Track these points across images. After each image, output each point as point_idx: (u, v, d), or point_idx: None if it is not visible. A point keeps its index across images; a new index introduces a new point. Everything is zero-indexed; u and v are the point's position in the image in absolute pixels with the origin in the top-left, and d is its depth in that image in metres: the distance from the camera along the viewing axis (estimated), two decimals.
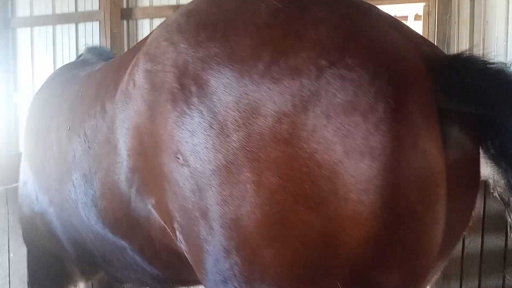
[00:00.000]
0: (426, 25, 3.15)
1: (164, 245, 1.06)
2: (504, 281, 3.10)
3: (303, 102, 0.70)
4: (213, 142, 0.77)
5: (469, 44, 3.11)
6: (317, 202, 0.71)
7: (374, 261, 0.74)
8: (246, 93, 0.74)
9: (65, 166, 1.33)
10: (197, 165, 0.79)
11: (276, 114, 0.71)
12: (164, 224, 0.98)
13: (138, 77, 0.98)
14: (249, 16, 0.83)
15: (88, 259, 1.50)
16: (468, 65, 0.79)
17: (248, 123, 0.73)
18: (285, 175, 0.71)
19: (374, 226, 0.71)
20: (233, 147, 0.74)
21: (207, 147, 0.77)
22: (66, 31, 4.25)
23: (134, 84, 0.99)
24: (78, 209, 1.30)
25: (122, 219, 1.13)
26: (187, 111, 0.80)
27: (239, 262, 0.77)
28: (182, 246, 0.91)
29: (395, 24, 0.88)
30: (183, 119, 0.81)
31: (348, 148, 0.69)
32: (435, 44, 2.97)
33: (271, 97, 0.72)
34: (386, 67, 0.72)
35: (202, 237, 0.81)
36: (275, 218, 0.73)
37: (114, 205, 1.14)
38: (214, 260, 0.81)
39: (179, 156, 0.82)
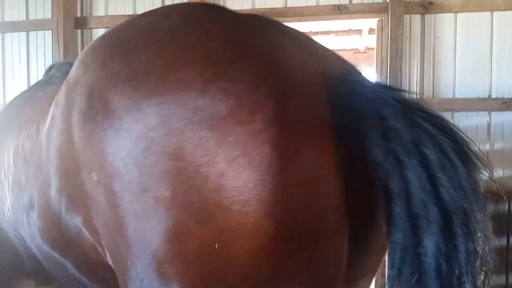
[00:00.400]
0: (379, 40, 3.24)
1: (99, 261, 1.06)
2: None
3: (188, 115, 0.72)
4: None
5: (420, 58, 3.23)
6: (206, 215, 0.72)
7: (272, 273, 0.75)
8: (138, 109, 0.76)
9: (15, 186, 1.38)
10: (107, 182, 0.81)
11: (164, 128, 0.73)
12: (94, 241, 0.99)
13: (60, 98, 1.02)
14: (150, 33, 0.87)
15: (42, 274, 1.55)
16: (345, 83, 0.85)
17: (143, 139, 0.75)
18: (176, 190, 0.73)
19: (261, 238, 0.72)
20: (132, 163, 0.76)
21: (111, 164, 0.79)
22: (16, 39, 4.06)
23: (57, 105, 1.04)
24: (27, 226, 1.35)
25: (57, 236, 1.16)
26: (95, 129, 0.83)
27: (151, 280, 0.78)
28: (110, 262, 0.92)
29: (300, 41, 0.93)
30: (92, 137, 0.84)
31: (230, 159, 0.71)
32: (389, 57, 3.07)
33: (159, 110, 0.74)
34: (267, 80, 0.76)
35: (122, 254, 0.82)
36: (171, 234, 0.74)
37: (49, 223, 1.17)
38: (133, 277, 0.81)
39: (93, 174, 0.84)
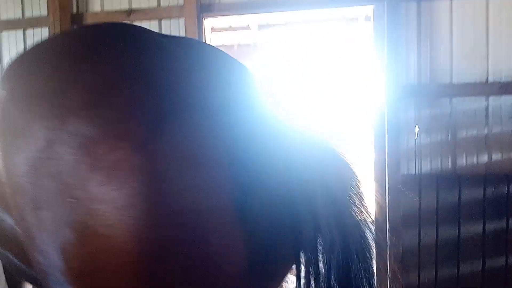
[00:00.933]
0: (376, 27, 3.26)
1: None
2: (458, 269, 3.25)
3: (68, 140, 0.77)
4: None
5: (417, 44, 3.25)
6: (83, 237, 0.77)
7: None
8: (30, 130, 0.82)
9: None
10: (14, 197, 0.88)
11: (48, 151, 0.79)
12: None
13: None
14: (52, 56, 0.92)
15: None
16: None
17: (34, 159, 0.81)
18: (59, 210, 0.78)
19: (130, 261, 0.76)
20: (26, 181, 0.82)
21: (14, 180, 0.87)
22: (13, 38, 4.06)
23: None
24: None
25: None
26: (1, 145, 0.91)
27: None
28: None
29: (199, 65, 0.95)
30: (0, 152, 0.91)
31: (99, 184, 0.75)
32: (386, 45, 3.08)
33: (47, 134, 0.80)
34: (141, 108, 0.79)
35: (33, 260, 0.89)
36: (59, 250, 0.80)
37: None
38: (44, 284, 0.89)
39: (6, 187, 0.92)
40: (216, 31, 6.08)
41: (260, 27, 6.04)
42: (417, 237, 3.27)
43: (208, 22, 3.67)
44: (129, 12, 3.66)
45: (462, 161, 3.23)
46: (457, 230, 3.22)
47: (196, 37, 3.50)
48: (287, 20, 5.77)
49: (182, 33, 3.56)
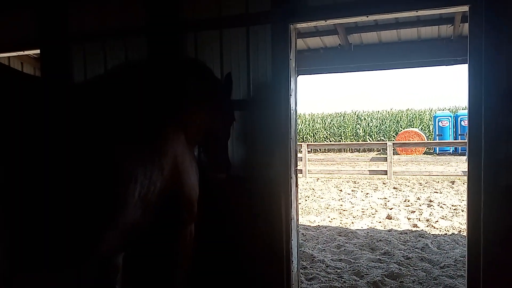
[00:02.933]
0: (473, 28, 3.03)
1: None
2: None
3: None
4: None
5: None
6: None
7: None
8: None
9: None
10: None
11: None
12: None
13: None
14: None
15: None
16: None
17: None
18: None
19: None
20: None
21: None
22: None
23: None
24: None
25: None
26: None
27: None
28: None
29: None
30: None
31: None
32: (483, 46, 2.84)
33: None
34: None
35: None
36: None
37: None
38: None
39: None
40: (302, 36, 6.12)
41: (348, 30, 5.95)
42: None
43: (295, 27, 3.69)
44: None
45: None
46: None
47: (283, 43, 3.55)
48: (377, 22, 5.61)
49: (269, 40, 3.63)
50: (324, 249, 5.68)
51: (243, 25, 3.74)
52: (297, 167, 3.78)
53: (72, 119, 2.07)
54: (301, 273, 4.47)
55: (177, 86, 2.93)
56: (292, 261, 3.68)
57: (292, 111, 3.67)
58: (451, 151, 22.71)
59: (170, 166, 2.58)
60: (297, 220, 3.82)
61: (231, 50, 3.80)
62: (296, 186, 3.77)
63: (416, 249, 5.54)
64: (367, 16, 3.46)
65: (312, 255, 5.31)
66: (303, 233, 6.49)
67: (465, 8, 3.11)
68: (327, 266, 4.91)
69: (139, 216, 2.35)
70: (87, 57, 4.28)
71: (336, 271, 4.73)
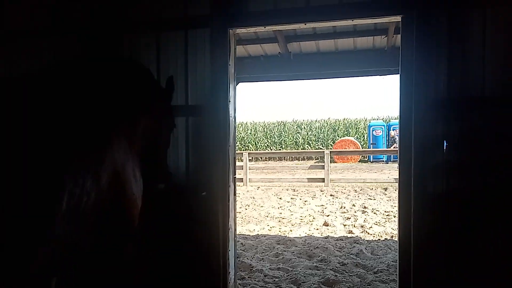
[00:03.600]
0: (405, 38, 3.14)
1: None
2: None
3: None
4: None
5: (447, 56, 3.10)
6: None
7: None
8: None
9: None
10: None
11: None
12: None
13: None
14: None
15: None
16: None
17: None
18: None
19: None
20: None
21: None
22: None
23: None
24: None
25: None
26: None
27: None
28: None
29: None
30: None
31: None
32: (414, 57, 2.95)
33: None
34: None
35: None
36: None
37: None
38: None
39: None
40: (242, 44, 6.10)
41: (287, 38, 6.02)
42: (444, 258, 3.10)
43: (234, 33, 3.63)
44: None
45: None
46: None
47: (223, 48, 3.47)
48: (315, 31, 5.72)
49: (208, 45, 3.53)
50: (262, 258, 5.62)
51: (181, 28, 3.61)
52: (235, 175, 3.70)
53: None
54: (239, 284, 4.36)
55: (117, 88, 2.69)
56: (229, 272, 3.57)
57: (231, 118, 3.58)
58: (384, 159, 23.88)
59: (109, 176, 2.31)
60: (235, 230, 3.72)
61: (169, 54, 3.64)
62: (234, 195, 3.67)
63: (351, 255, 5.65)
64: (305, 24, 3.49)
65: (250, 264, 5.23)
66: (242, 243, 6.39)
67: (398, 18, 3.23)
68: (265, 276, 4.85)
69: (71, 230, 2.07)
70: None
71: (274, 280, 4.68)
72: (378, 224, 7.78)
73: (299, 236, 7.03)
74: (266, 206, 10.28)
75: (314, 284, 4.45)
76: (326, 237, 6.86)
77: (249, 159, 15.02)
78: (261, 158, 27.54)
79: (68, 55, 3.77)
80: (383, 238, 6.70)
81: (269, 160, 27.56)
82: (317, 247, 6.05)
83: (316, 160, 24.99)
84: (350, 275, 4.81)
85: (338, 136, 30.39)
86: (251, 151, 24.90)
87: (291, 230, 7.47)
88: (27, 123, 1.97)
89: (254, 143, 31.51)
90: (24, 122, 1.96)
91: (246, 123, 33.31)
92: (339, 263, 5.27)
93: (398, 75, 3.28)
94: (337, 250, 5.94)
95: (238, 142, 28.92)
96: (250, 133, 31.88)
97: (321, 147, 29.84)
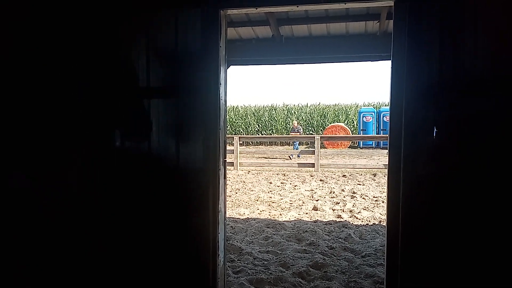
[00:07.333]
0: (397, 24, 3.12)
1: None
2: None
3: None
4: None
5: (439, 42, 3.09)
6: None
7: None
8: None
9: None
10: None
11: None
12: None
13: None
14: None
15: None
16: None
17: None
18: None
19: None
20: None
21: None
22: None
23: None
24: None
25: None
26: None
27: None
28: None
29: None
30: None
31: None
32: (406, 42, 2.93)
33: None
34: None
35: None
36: None
37: None
38: None
39: None
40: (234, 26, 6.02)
41: (279, 21, 5.95)
42: (430, 242, 3.14)
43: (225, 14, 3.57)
44: None
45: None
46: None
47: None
48: (307, 15, 5.66)
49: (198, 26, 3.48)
50: (252, 241, 5.66)
51: (171, 8, 3.54)
52: (225, 158, 3.68)
53: None
54: (228, 266, 4.40)
55: None
56: (219, 255, 3.59)
57: (221, 101, 3.55)
58: (373, 145, 24.07)
59: None
60: (225, 213, 3.72)
61: (159, 35, 3.58)
62: (224, 178, 3.67)
63: (340, 239, 5.72)
64: (297, 6, 3.44)
65: (240, 247, 5.27)
66: (232, 226, 6.43)
67: (391, 3, 3.20)
68: (254, 258, 4.89)
69: None
70: None
71: (263, 263, 4.73)
72: (367, 209, 7.87)
73: (289, 220, 7.09)
74: (256, 190, 10.32)
75: (302, 267, 4.50)
76: (315, 221, 6.92)
77: (239, 143, 15.02)
78: (252, 142, 27.56)
79: None
80: (371, 223, 6.79)
81: (260, 144, 27.59)
82: (306, 231, 6.11)
83: (306, 146, 25.08)
84: (338, 259, 4.87)
85: (328, 122, 30.47)
86: (242, 135, 24.84)
87: (280, 214, 7.53)
88: None
89: (244, 128, 31.47)
90: None
91: (237, 107, 33.20)
92: (327, 246, 5.34)
93: (390, 61, 3.27)
94: (325, 234, 6.00)
95: (228, 126, 28.86)
96: (241, 118, 31.81)
97: (311, 132, 29.92)
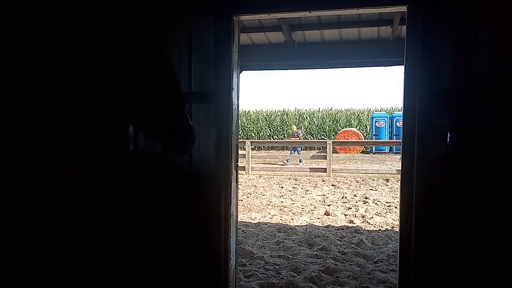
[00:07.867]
0: (410, 29, 3.12)
1: None
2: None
3: None
4: None
5: (453, 48, 3.08)
6: None
7: None
8: None
9: None
10: None
11: None
12: None
13: None
14: None
15: None
16: None
17: None
18: None
19: None
20: None
21: None
22: None
23: None
24: None
25: None
26: None
27: None
28: None
29: None
30: None
31: None
32: (419, 48, 2.93)
33: None
34: None
35: None
36: None
37: None
38: None
39: None
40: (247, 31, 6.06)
41: (292, 27, 5.98)
42: (445, 251, 3.12)
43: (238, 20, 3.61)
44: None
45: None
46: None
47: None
48: (320, 20, 5.68)
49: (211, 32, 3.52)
50: (263, 246, 5.67)
51: (185, 15, 3.59)
52: (237, 163, 3.71)
53: None
54: (239, 270, 4.41)
55: None
56: (230, 258, 3.61)
57: (234, 106, 3.58)
58: (386, 150, 23.88)
59: None
60: (237, 216, 3.74)
61: (173, 41, 3.63)
62: (236, 182, 3.69)
63: (352, 245, 5.69)
64: (310, 12, 3.46)
65: (251, 252, 5.28)
66: (243, 230, 6.44)
67: (404, 8, 3.20)
68: (266, 263, 4.90)
69: None
70: None
71: (275, 267, 4.73)
72: (379, 214, 7.81)
73: (300, 224, 7.07)
74: (268, 194, 10.32)
75: (314, 272, 4.49)
76: (327, 226, 6.90)
77: (251, 148, 15.06)
78: (264, 147, 27.58)
79: None
80: (383, 229, 6.74)
81: (271, 149, 27.59)
82: (317, 236, 6.09)
83: (318, 150, 25.00)
84: (350, 264, 4.85)
85: (340, 126, 30.34)
86: (254, 140, 24.86)
87: (292, 219, 7.52)
88: None
89: (256, 132, 31.51)
90: None
91: (249, 112, 33.28)
92: (339, 252, 5.31)
93: (403, 66, 3.26)
94: (337, 239, 5.98)
95: (240, 131, 28.93)
96: (253, 122, 31.87)
97: (323, 137, 29.82)
